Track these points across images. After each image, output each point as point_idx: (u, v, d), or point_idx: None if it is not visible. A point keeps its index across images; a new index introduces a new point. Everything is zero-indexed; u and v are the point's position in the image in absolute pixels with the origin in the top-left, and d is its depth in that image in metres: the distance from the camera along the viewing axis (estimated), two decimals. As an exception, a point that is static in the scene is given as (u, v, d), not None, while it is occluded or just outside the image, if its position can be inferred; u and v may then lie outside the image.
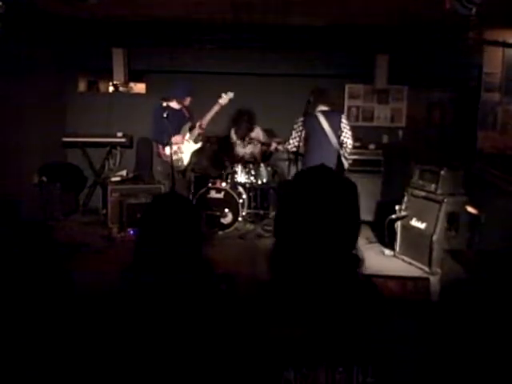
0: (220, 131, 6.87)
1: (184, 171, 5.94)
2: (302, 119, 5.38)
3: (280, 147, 6.39)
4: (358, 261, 1.23)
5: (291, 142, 5.51)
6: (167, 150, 5.52)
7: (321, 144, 5.31)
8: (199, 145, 5.89)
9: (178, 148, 5.73)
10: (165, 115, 5.15)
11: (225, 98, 5.65)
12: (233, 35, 7.05)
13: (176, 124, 5.65)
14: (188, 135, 5.79)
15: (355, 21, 6.46)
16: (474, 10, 3.83)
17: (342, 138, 5.34)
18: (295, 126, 5.46)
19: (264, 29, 6.95)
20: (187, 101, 5.76)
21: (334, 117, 5.37)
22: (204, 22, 6.74)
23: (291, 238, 1.21)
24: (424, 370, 1.19)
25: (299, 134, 5.40)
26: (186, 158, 5.81)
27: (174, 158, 5.59)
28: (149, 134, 6.58)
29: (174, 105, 5.73)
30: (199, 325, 1.51)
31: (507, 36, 6.13)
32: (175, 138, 5.65)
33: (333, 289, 1.17)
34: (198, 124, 5.74)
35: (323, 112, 5.35)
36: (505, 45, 5.84)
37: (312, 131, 5.33)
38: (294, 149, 5.48)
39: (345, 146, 5.38)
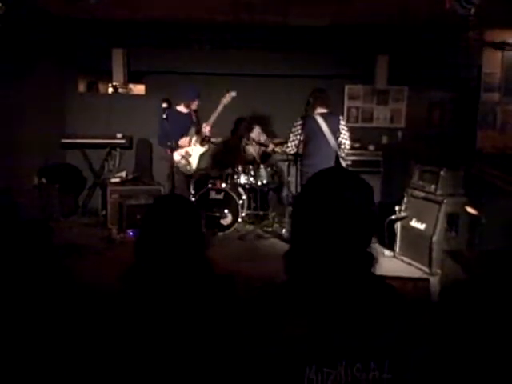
0: (219, 132, 6.86)
1: (191, 175, 5.88)
2: (300, 122, 5.39)
3: (278, 149, 6.35)
4: (373, 259, 1.25)
5: (290, 144, 5.52)
6: (176, 155, 5.48)
7: (320, 146, 5.33)
8: (206, 147, 5.80)
9: (186, 152, 5.65)
10: (164, 116, 5.13)
11: (227, 97, 5.61)
12: (233, 35, 7.06)
13: (182, 127, 5.60)
14: (195, 138, 5.71)
15: (355, 21, 6.46)
16: (472, 10, 3.83)
17: (340, 139, 5.38)
18: (294, 129, 5.46)
19: (264, 29, 6.95)
20: (194, 104, 5.69)
21: (332, 119, 5.39)
22: (204, 22, 6.74)
23: (307, 237, 1.23)
24: (438, 366, 1.21)
25: (298, 136, 5.40)
26: (194, 161, 5.73)
27: (183, 162, 5.58)
28: (153, 138, 6.54)
29: (182, 108, 5.68)
30: (200, 325, 1.51)
31: (506, 36, 6.14)
32: (182, 141, 5.62)
33: (349, 286, 1.19)
34: (203, 126, 5.67)
35: (322, 114, 5.36)
36: (504, 45, 5.84)
37: (311, 133, 5.34)
38: (293, 151, 5.49)
39: (343, 147, 5.43)
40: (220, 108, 5.63)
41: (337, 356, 1.13)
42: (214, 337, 1.48)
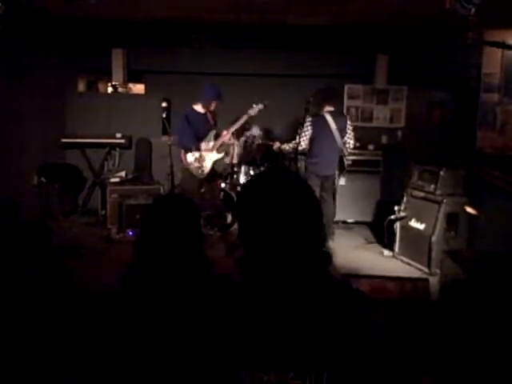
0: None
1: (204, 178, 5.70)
2: (310, 119, 5.43)
3: (286, 146, 6.04)
4: (328, 258, 1.20)
5: (301, 141, 5.48)
6: (189, 157, 5.38)
7: (327, 144, 5.40)
8: (222, 155, 5.60)
9: (200, 156, 5.49)
10: (164, 116, 5.08)
11: (255, 109, 5.47)
12: (232, 35, 7.05)
13: (202, 127, 5.46)
14: (212, 143, 5.50)
15: (355, 21, 6.46)
16: (473, 10, 3.83)
17: (345, 138, 5.45)
18: (303, 127, 5.45)
19: (264, 29, 6.94)
20: (213, 105, 5.52)
21: (340, 118, 5.49)
22: (204, 22, 6.74)
23: (256, 241, 1.18)
24: (387, 374, 1.12)
25: (307, 133, 5.43)
26: (207, 166, 5.52)
27: (196, 165, 5.44)
28: (152, 137, 6.45)
29: (199, 108, 5.53)
30: (199, 324, 1.51)
31: (506, 36, 6.13)
32: (202, 145, 5.45)
33: (299, 289, 1.13)
34: (224, 133, 5.48)
35: (330, 112, 5.41)
36: (504, 46, 5.84)
37: (319, 131, 5.41)
38: (302, 147, 5.49)
39: (347, 146, 5.50)
40: (245, 118, 5.50)
41: (270, 361, 1.08)
42: (211, 336, 1.48)
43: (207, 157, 5.49)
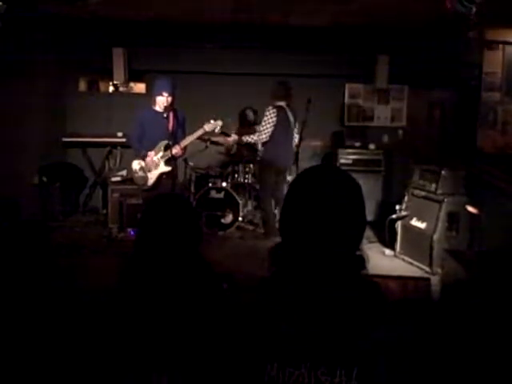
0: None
1: (149, 190, 5.13)
2: (274, 110, 5.51)
3: (248, 138, 5.69)
4: (362, 262, 1.21)
5: (264, 132, 5.52)
6: (134, 164, 5.10)
7: (287, 135, 5.57)
8: (169, 168, 5.00)
9: (147, 165, 5.04)
10: (165, 115, 4.97)
11: (212, 125, 5.00)
12: (233, 35, 7.05)
13: (153, 129, 4.95)
14: (161, 154, 4.98)
15: (355, 21, 6.45)
16: (473, 9, 3.83)
17: (294, 134, 5.68)
18: (267, 118, 5.50)
19: (264, 29, 6.94)
20: (161, 102, 4.90)
21: (292, 112, 5.64)
22: (204, 21, 6.74)
23: (295, 235, 1.19)
24: (415, 375, 1.15)
25: (271, 124, 5.49)
26: (151, 178, 5.04)
27: (140, 174, 5.06)
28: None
29: (157, 108, 4.97)
30: (200, 323, 1.52)
31: (507, 36, 6.13)
32: (150, 155, 5.01)
33: (332, 289, 1.15)
34: (174, 146, 4.92)
35: (287, 106, 5.58)
36: (505, 43, 5.84)
37: (282, 122, 5.51)
38: (267, 139, 5.55)
39: (295, 141, 5.68)
40: (200, 132, 5.00)
41: (301, 356, 1.10)
42: (213, 335, 1.48)
43: (155, 168, 5.02)
